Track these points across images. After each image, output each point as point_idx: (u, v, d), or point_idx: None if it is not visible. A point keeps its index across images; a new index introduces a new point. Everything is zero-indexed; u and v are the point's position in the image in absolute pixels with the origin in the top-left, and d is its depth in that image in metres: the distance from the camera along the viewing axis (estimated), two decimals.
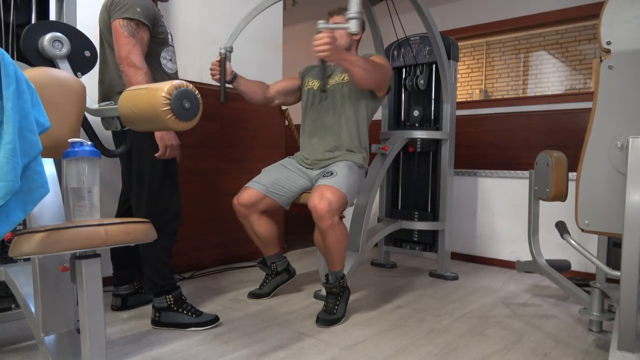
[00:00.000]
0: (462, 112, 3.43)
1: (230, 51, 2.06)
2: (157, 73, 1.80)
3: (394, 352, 1.68)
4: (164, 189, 1.83)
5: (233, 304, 2.19)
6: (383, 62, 2.14)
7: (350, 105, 2.14)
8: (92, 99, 1.51)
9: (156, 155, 1.74)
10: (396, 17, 2.47)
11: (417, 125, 2.86)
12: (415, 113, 2.86)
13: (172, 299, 1.84)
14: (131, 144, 1.76)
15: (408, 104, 2.96)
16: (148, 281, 1.85)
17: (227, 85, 2.04)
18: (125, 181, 2.04)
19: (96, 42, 1.60)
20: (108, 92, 1.82)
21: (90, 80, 1.60)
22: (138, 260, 2.08)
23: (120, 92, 1.44)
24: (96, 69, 1.62)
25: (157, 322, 1.84)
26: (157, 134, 1.72)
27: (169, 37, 1.88)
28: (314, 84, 2.25)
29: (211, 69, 2.08)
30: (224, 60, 2.03)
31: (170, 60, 1.89)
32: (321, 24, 1.77)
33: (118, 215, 2.08)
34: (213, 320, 1.88)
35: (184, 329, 1.83)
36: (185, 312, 1.84)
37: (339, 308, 1.99)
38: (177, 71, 1.94)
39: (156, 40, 1.80)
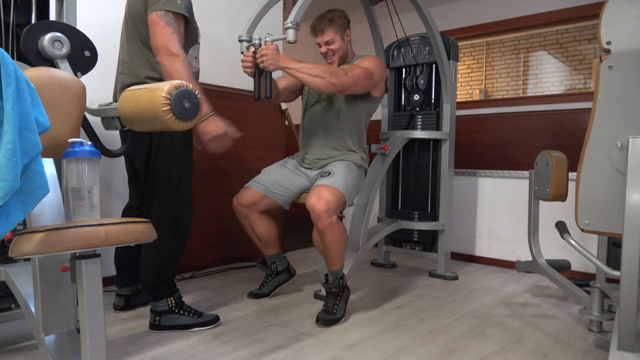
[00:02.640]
0: (462, 112, 3.42)
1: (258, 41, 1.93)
2: None
3: (394, 352, 1.68)
4: (180, 193, 1.80)
5: (233, 304, 2.19)
6: (365, 62, 2.05)
7: (348, 106, 2.14)
8: (92, 99, 1.51)
9: (208, 150, 1.68)
10: (396, 17, 2.46)
11: (417, 109, 2.86)
12: (416, 97, 2.86)
13: (173, 301, 1.82)
14: (151, 144, 1.74)
15: (408, 104, 2.96)
16: (149, 286, 1.81)
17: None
18: (135, 188, 1.99)
19: (96, 42, 1.59)
20: (124, 82, 1.76)
21: (91, 80, 1.60)
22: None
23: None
24: (97, 69, 1.61)
25: (157, 326, 1.81)
26: (200, 129, 1.65)
27: (199, 33, 1.85)
28: None
29: (245, 62, 1.90)
30: (255, 53, 1.86)
31: (196, 58, 1.85)
32: (268, 36, 1.84)
33: None
34: (214, 320, 1.88)
35: (186, 330, 1.82)
36: (186, 313, 1.84)
37: (339, 308, 1.99)
38: (199, 70, 1.90)
39: (188, 37, 1.76)
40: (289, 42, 1.73)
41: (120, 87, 1.81)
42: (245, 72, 1.92)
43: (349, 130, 2.15)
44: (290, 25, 1.72)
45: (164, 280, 1.80)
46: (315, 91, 2.02)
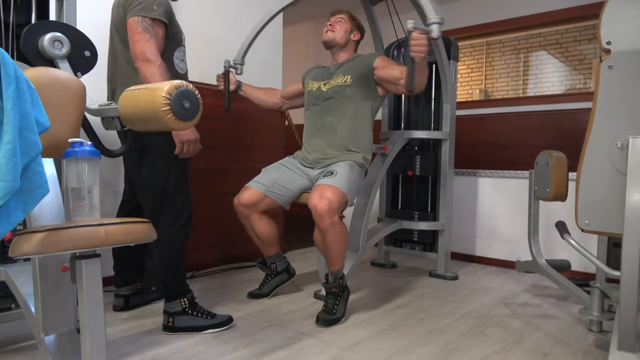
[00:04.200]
0: (462, 112, 3.43)
1: (241, 63, 2.29)
2: (170, 72, 1.77)
3: (394, 352, 1.68)
4: (178, 192, 1.80)
5: (233, 304, 2.19)
6: None
7: (353, 106, 2.15)
8: (92, 99, 1.51)
9: (176, 152, 1.72)
10: (396, 17, 2.46)
11: (416, 148, 2.87)
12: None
13: (186, 302, 1.81)
14: (143, 145, 1.75)
15: (408, 104, 2.97)
16: (162, 286, 1.80)
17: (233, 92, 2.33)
18: (131, 183, 1.99)
19: (97, 42, 1.59)
20: (115, 89, 1.79)
21: (90, 80, 1.60)
22: (138, 259, 2.08)
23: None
24: (97, 69, 1.61)
25: (170, 328, 1.79)
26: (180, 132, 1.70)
27: (183, 36, 1.86)
28: (313, 85, 2.27)
29: (217, 80, 2.35)
30: (227, 73, 2.28)
31: (182, 60, 1.86)
32: (411, 24, 1.77)
33: (119, 217, 2.07)
34: (228, 321, 1.87)
35: (200, 332, 1.81)
36: (200, 314, 1.82)
37: (339, 308, 1.99)
38: (187, 71, 1.91)
39: (171, 40, 1.77)
40: (433, 38, 1.75)
41: (109, 97, 1.84)
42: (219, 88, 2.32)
43: (353, 131, 2.15)
44: (437, 20, 1.72)
45: (174, 279, 1.80)
46: (418, 90, 2.05)
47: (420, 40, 1.76)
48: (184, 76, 1.87)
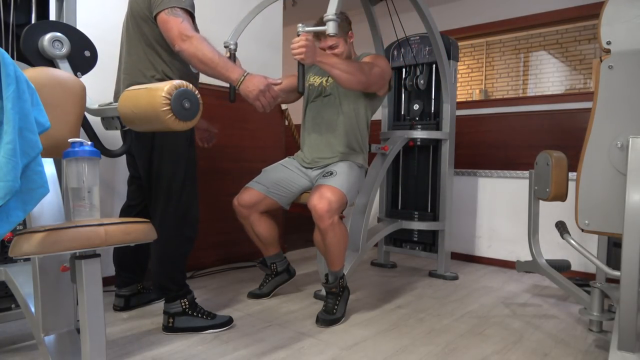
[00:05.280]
0: (462, 112, 3.42)
1: (235, 47, 2.14)
2: (186, 72, 1.78)
3: (394, 352, 1.68)
4: (185, 193, 1.79)
5: (233, 304, 2.19)
6: (378, 61, 2.11)
7: (349, 104, 2.14)
8: (92, 99, 1.51)
9: (259, 111, 1.73)
10: (396, 17, 2.46)
11: (417, 119, 2.86)
12: (416, 107, 2.86)
13: (187, 303, 1.81)
14: (153, 144, 1.74)
15: (408, 104, 2.96)
16: (161, 288, 1.80)
17: None
18: (137, 187, 1.99)
19: (97, 42, 1.58)
20: (127, 83, 1.74)
21: (91, 80, 1.59)
22: (141, 261, 2.07)
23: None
24: (97, 69, 1.61)
25: (170, 329, 1.79)
26: (242, 92, 1.69)
27: None
28: (315, 80, 2.26)
29: None
30: (233, 56, 2.05)
31: None
32: (300, 27, 1.78)
33: None
34: (228, 322, 1.87)
35: (199, 332, 1.81)
36: (200, 315, 1.82)
37: (339, 308, 1.99)
38: (199, 72, 1.88)
39: None
40: (329, 35, 1.71)
41: (124, 88, 1.80)
42: None
43: (351, 130, 2.15)
44: (331, 17, 1.69)
45: (174, 281, 1.79)
46: (343, 87, 2.02)
47: (299, 42, 1.75)
48: (196, 76, 1.87)
